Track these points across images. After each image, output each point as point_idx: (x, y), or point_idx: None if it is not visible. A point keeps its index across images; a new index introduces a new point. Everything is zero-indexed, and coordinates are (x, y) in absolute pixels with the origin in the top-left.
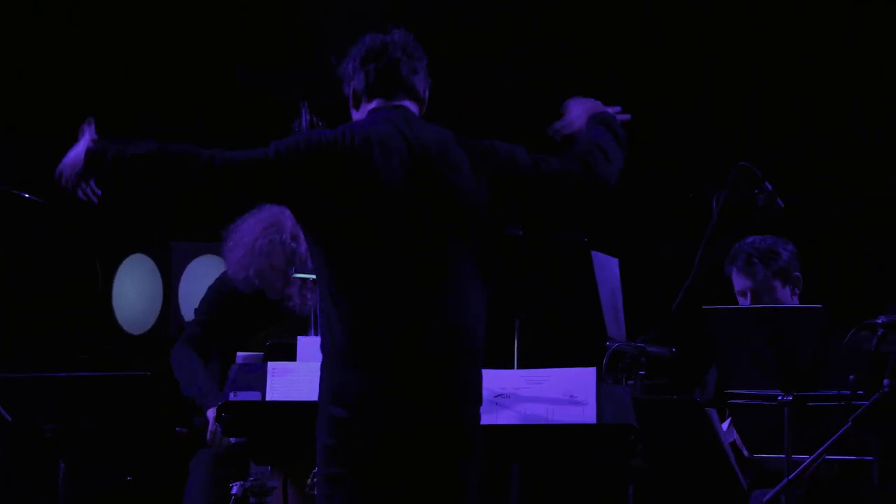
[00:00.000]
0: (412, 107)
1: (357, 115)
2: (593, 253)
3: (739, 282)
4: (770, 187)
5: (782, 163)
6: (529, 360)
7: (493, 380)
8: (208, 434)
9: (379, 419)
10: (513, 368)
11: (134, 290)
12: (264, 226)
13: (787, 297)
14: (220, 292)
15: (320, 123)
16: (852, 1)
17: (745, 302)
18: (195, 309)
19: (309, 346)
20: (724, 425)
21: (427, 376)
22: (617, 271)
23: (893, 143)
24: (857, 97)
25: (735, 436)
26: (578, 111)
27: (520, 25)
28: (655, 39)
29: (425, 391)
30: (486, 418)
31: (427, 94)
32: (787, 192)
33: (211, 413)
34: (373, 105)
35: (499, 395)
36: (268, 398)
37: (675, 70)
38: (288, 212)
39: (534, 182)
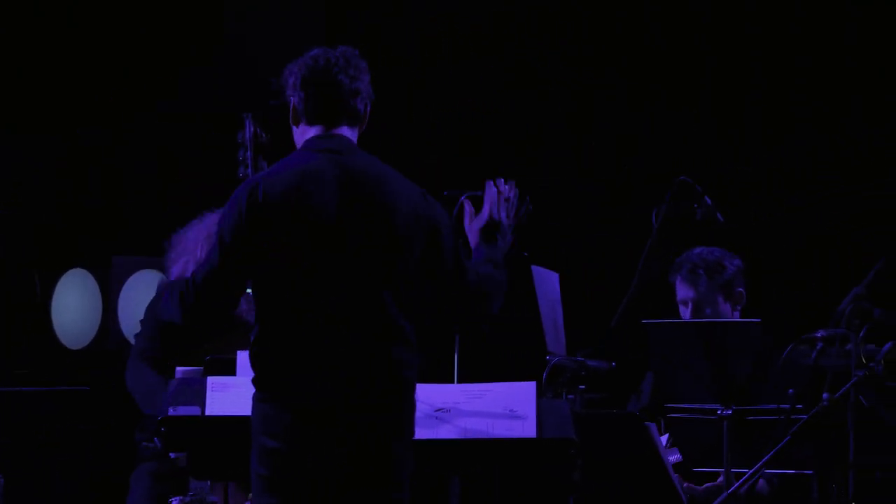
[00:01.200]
0: (351, 134)
1: (296, 132)
2: (533, 267)
3: (682, 291)
4: (709, 201)
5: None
6: (469, 375)
7: (433, 394)
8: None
9: (309, 451)
10: (453, 383)
11: (73, 305)
12: (209, 233)
13: (728, 312)
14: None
15: (264, 135)
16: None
17: (685, 311)
18: (140, 321)
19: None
20: (663, 439)
21: (357, 408)
22: (557, 285)
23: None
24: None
25: (678, 455)
26: (483, 215)
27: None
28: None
29: (355, 424)
30: (426, 433)
31: (368, 110)
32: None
33: None
34: (311, 132)
35: (439, 410)
36: (207, 413)
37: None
38: None
39: (448, 283)
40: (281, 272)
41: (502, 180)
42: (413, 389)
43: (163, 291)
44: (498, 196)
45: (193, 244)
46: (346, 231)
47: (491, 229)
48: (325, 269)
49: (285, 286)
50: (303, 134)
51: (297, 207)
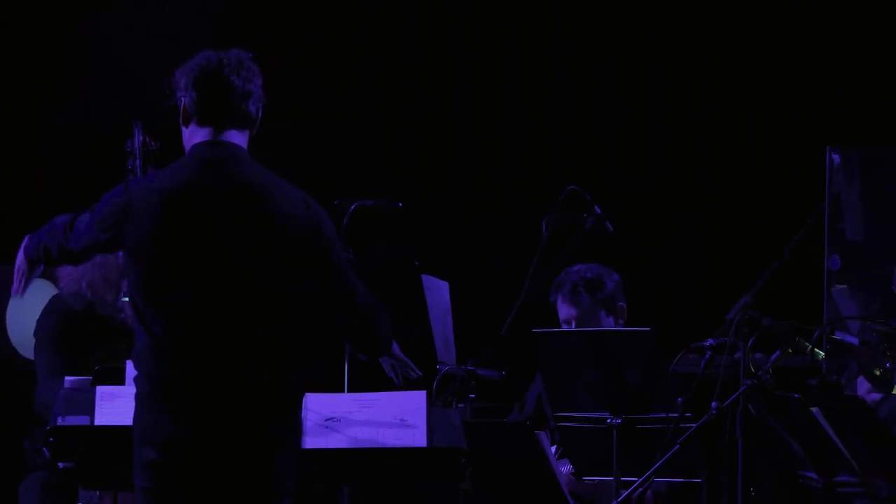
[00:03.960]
0: (240, 138)
1: (185, 133)
2: (423, 276)
3: (564, 310)
4: (599, 210)
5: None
6: (359, 384)
7: (323, 403)
8: None
9: (190, 462)
10: (343, 392)
11: None
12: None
13: (611, 327)
14: (54, 324)
15: (153, 144)
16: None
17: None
18: (35, 349)
19: None
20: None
21: (237, 421)
22: (447, 294)
23: None
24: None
25: (570, 467)
26: None
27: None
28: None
29: (237, 433)
30: (316, 442)
31: (260, 115)
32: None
33: None
34: (200, 136)
35: (329, 419)
36: (96, 423)
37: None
38: None
39: (336, 300)
40: (152, 287)
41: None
42: (298, 404)
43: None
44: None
45: None
46: (227, 245)
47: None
48: (200, 285)
49: (157, 302)
50: (192, 135)
51: (174, 219)
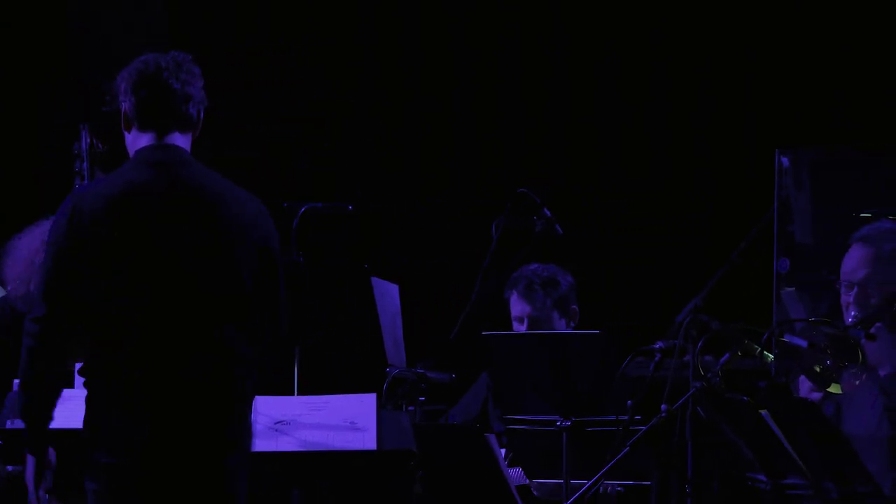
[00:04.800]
0: (183, 141)
1: (128, 139)
2: (373, 279)
3: (518, 307)
4: (549, 214)
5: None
6: (309, 387)
7: (273, 406)
8: None
9: (143, 464)
10: (293, 395)
11: None
12: (44, 239)
13: (563, 329)
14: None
15: (100, 146)
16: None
17: (520, 328)
18: None
19: None
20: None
21: (188, 423)
22: (397, 297)
23: None
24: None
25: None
26: None
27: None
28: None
29: (190, 435)
30: (266, 445)
31: (202, 116)
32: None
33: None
34: (144, 139)
35: (279, 422)
36: None
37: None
38: None
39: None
40: (102, 290)
41: None
42: (248, 405)
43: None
44: None
45: (27, 252)
46: (175, 248)
47: None
48: (150, 288)
49: (108, 305)
50: (135, 140)
51: (119, 223)
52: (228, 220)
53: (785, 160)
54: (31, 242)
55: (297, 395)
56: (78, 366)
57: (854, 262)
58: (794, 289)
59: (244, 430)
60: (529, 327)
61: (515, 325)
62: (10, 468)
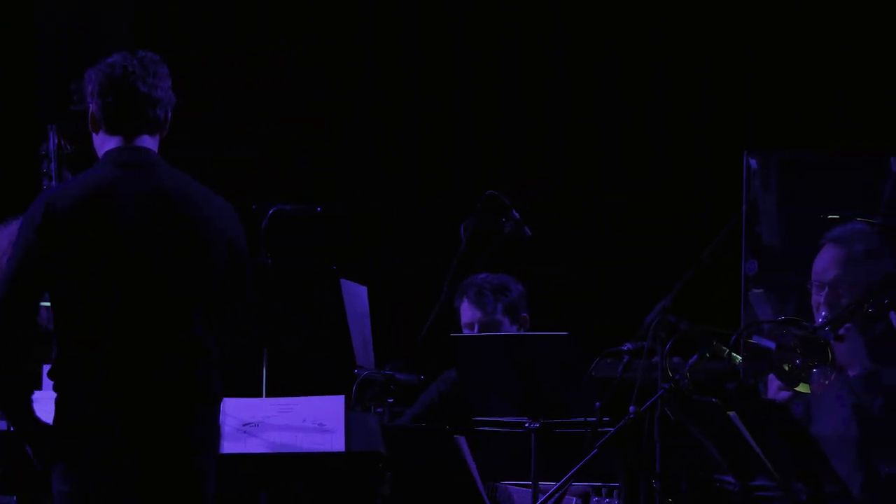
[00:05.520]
0: (151, 143)
1: (96, 139)
2: (342, 281)
3: (469, 313)
4: (517, 215)
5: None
6: (278, 389)
7: (242, 408)
8: None
9: (111, 469)
10: (261, 397)
11: None
12: (12, 240)
13: None
14: None
15: (68, 147)
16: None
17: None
18: None
19: None
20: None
21: (159, 423)
22: (366, 299)
23: None
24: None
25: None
26: None
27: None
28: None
29: (159, 435)
30: (234, 447)
31: (169, 117)
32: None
33: None
34: (111, 142)
35: (247, 424)
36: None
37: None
38: None
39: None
40: (74, 291)
41: None
42: (217, 406)
43: None
44: None
45: None
46: (144, 250)
47: None
48: (121, 289)
49: (79, 306)
50: (103, 142)
51: (90, 224)
52: (196, 222)
53: (753, 162)
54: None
55: (266, 396)
56: (46, 367)
57: (825, 262)
58: (761, 290)
59: (213, 431)
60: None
61: (466, 332)
62: None
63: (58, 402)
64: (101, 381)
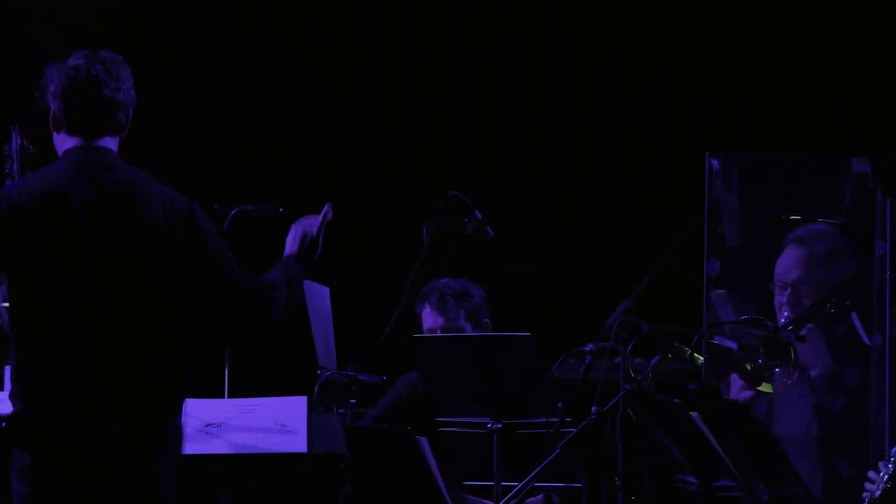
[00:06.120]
0: (112, 143)
1: (56, 139)
2: (304, 281)
3: (431, 319)
4: (479, 216)
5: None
6: (240, 389)
7: (204, 409)
8: None
9: (67, 468)
10: (223, 397)
11: None
12: None
13: None
14: None
15: (31, 147)
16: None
17: None
18: None
19: None
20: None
21: (119, 422)
22: (328, 300)
23: None
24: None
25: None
26: (296, 233)
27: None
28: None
29: (118, 436)
30: (196, 448)
31: (131, 116)
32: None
33: None
34: (70, 143)
35: (209, 425)
36: None
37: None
38: None
39: (218, 291)
40: (27, 290)
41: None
42: (177, 406)
43: None
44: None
45: None
46: (99, 250)
47: (307, 252)
48: (74, 288)
49: (33, 305)
50: (63, 142)
51: (48, 222)
52: (152, 219)
53: (715, 163)
54: None
55: (228, 397)
56: (7, 369)
57: (788, 262)
58: (724, 291)
59: (173, 431)
60: None
61: None
62: None
63: (13, 401)
64: (56, 382)
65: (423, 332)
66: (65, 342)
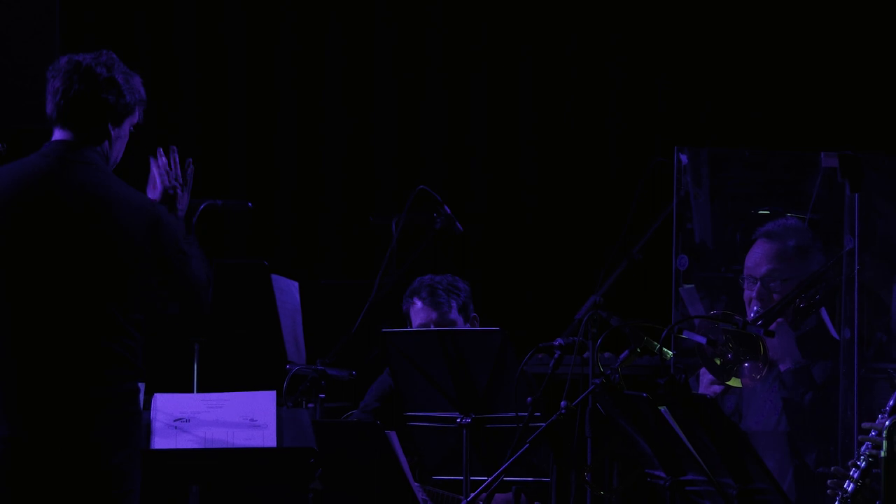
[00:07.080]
0: (100, 141)
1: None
2: (273, 276)
3: (423, 314)
4: (448, 211)
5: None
6: (209, 384)
7: (173, 404)
8: None
9: (13, 465)
10: (192, 392)
11: None
12: None
13: None
14: None
15: (2, 146)
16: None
17: None
18: None
19: None
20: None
21: (62, 420)
22: (297, 295)
23: None
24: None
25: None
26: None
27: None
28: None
29: (60, 434)
30: (165, 442)
31: (134, 119)
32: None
33: None
34: (54, 137)
35: (178, 420)
36: None
37: None
38: None
39: (174, 277)
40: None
41: (161, 150)
42: (134, 400)
43: None
44: (164, 166)
45: None
46: (57, 248)
47: (168, 200)
48: (31, 282)
49: None
50: (54, 136)
51: (7, 221)
52: (115, 219)
53: (684, 158)
54: None
55: (197, 392)
56: None
57: (757, 257)
58: (692, 286)
59: (132, 426)
60: None
61: None
62: None
63: None
64: (6, 382)
65: (412, 328)
66: (10, 339)
